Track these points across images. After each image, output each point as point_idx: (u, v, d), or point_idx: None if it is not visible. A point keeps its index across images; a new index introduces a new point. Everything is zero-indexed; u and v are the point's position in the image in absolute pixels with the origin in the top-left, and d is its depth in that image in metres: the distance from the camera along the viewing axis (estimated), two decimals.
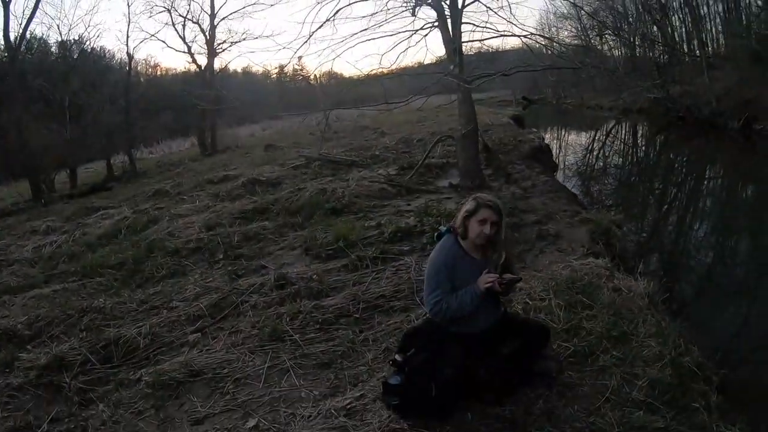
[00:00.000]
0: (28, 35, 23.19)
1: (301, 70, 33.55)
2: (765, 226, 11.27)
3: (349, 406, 3.96)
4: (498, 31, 11.11)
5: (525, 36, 11.36)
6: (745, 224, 11.77)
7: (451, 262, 3.86)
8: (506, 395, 3.89)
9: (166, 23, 27.05)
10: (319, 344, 4.96)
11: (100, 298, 6.60)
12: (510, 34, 11.18)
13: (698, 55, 30.31)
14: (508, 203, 9.11)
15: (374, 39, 11.12)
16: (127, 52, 26.17)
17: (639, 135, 29.53)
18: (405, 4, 11.05)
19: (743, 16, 28.83)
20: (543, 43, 13.38)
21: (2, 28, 20.51)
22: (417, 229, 7.83)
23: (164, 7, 26.09)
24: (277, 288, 6.21)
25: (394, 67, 11.70)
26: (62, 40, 25.59)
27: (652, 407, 3.77)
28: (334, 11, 10.80)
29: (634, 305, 5.10)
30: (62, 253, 9.14)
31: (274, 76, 51.26)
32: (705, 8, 33.23)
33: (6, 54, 22.07)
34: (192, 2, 26.84)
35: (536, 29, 30.28)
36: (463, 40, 10.86)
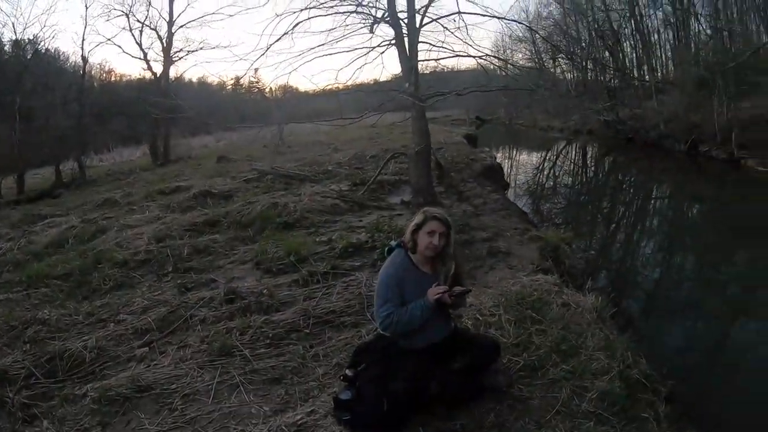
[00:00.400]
0: None
1: (257, 82, 33.51)
2: (708, 243, 11.67)
3: (300, 422, 3.93)
4: (454, 51, 11.19)
5: (480, 57, 11.54)
6: (690, 242, 12.20)
7: (401, 275, 3.89)
8: (457, 409, 3.92)
9: (123, 28, 26.75)
10: (269, 359, 4.90)
11: (45, 309, 6.37)
12: (465, 54, 11.27)
13: (648, 80, 31.27)
14: (459, 220, 9.21)
15: (331, 54, 11.11)
16: (82, 55, 25.57)
17: (589, 156, 30.19)
18: (363, 21, 11.11)
19: (692, 44, 29.83)
20: (497, 64, 13.54)
21: None
22: (368, 244, 7.83)
23: (122, 11, 25.69)
24: (227, 302, 6.12)
25: (350, 83, 11.75)
26: (16, 39, 25.01)
27: (602, 418, 3.87)
28: (293, 24, 10.78)
29: (582, 320, 5.21)
30: (6, 262, 8.83)
31: (230, 87, 50.96)
32: (656, 35, 34.43)
33: None
34: (150, 8, 26.38)
35: (491, 51, 30.61)
36: (419, 58, 10.97)
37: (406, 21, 10.90)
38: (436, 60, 11.90)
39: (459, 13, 10.88)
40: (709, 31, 28.00)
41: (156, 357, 5.12)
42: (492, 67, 12.71)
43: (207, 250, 8.42)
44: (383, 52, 11.18)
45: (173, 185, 15.01)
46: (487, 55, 12.21)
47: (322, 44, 10.92)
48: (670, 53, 34.28)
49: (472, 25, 11.18)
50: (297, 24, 10.82)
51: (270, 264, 7.39)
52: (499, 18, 11.73)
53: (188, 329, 5.65)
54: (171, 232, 9.31)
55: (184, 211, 11.31)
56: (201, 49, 27.28)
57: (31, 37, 24.60)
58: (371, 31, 11.15)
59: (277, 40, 10.82)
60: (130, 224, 10.41)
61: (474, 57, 11.48)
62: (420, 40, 10.92)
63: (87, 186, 21.08)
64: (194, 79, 49.11)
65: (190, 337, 5.41)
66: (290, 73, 11.35)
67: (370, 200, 11.38)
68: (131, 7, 25.86)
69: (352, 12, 11.05)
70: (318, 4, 10.82)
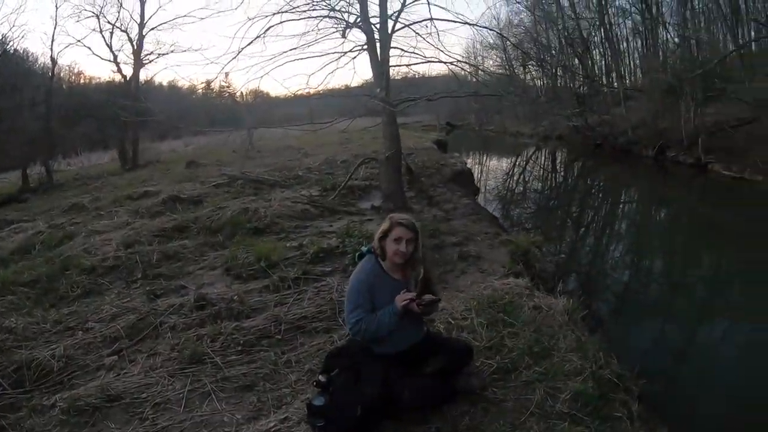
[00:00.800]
0: None
1: (228, 86, 33.22)
2: (676, 246, 11.91)
3: (273, 430, 3.91)
4: (425, 57, 11.27)
5: (451, 63, 11.59)
6: (658, 245, 12.41)
7: (371, 281, 3.90)
8: (431, 413, 3.93)
9: (94, 29, 26.14)
10: (240, 366, 4.86)
11: (11, 317, 6.21)
12: (437, 60, 11.34)
13: (616, 86, 31.70)
14: (430, 225, 9.28)
15: (303, 59, 11.10)
16: (51, 57, 25.10)
17: (558, 161, 30.49)
18: (335, 26, 11.14)
19: (660, 52, 30.39)
20: (468, 70, 13.65)
21: None
22: (339, 249, 7.83)
23: (93, 12, 25.31)
24: (197, 309, 6.06)
25: (321, 87, 11.75)
26: None
27: (576, 418, 3.91)
28: (265, 28, 10.75)
29: (554, 322, 5.26)
30: None
31: (201, 91, 50.48)
32: (624, 44, 35.03)
33: None
34: (121, 9, 26.08)
35: (462, 57, 30.83)
36: (390, 64, 11.01)
37: (378, 26, 10.94)
38: (407, 65, 11.98)
39: (431, 19, 10.99)
40: (677, 40, 28.77)
41: (126, 365, 5.04)
42: (463, 73, 12.78)
43: (176, 256, 8.32)
44: (355, 57, 11.23)
45: (142, 190, 14.84)
46: (458, 60, 12.25)
47: (294, 48, 10.91)
48: (638, 61, 35.04)
49: (444, 31, 11.40)
50: (269, 28, 10.81)
51: (240, 270, 7.34)
52: (470, 24, 11.71)
53: (158, 337, 5.57)
54: (140, 238, 9.17)
55: (153, 217, 11.17)
56: (172, 52, 26.93)
57: (0, 37, 24.17)
58: (343, 36, 11.19)
59: (249, 44, 10.80)
60: (98, 230, 10.25)
61: (445, 63, 11.56)
62: (392, 45, 10.98)
63: (54, 190, 20.68)
64: (164, 83, 48.58)
65: (160, 345, 5.34)
66: (262, 77, 11.31)
67: (340, 205, 11.39)
68: (102, 8, 25.53)
69: (324, 17, 11.08)
70: (291, 8, 10.83)
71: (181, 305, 6.20)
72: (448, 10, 13.95)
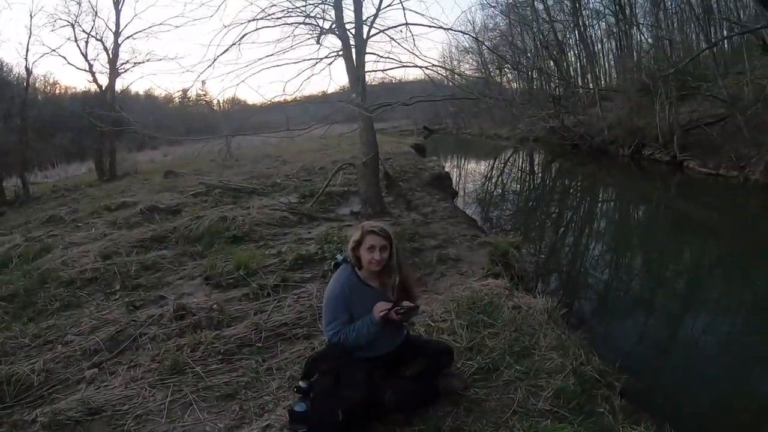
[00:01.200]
0: None
1: (205, 95, 33.05)
2: (653, 242, 12.12)
3: None
4: (401, 62, 11.32)
5: (427, 67, 11.65)
6: (636, 242, 12.62)
7: (347, 292, 3.90)
8: (414, 415, 3.95)
9: (69, 38, 25.79)
10: (222, 375, 4.84)
11: None
12: (412, 65, 11.38)
13: (592, 87, 32.01)
14: (409, 229, 9.35)
15: (279, 66, 11.12)
16: (26, 67, 24.80)
17: (536, 162, 30.76)
18: (310, 33, 11.15)
19: (634, 53, 30.76)
20: (444, 74, 13.74)
21: None
22: (318, 256, 7.87)
23: (68, 21, 24.82)
24: (177, 319, 6.01)
25: (297, 94, 11.76)
26: None
27: (559, 415, 3.95)
28: (241, 35, 10.74)
29: (534, 321, 5.33)
30: None
31: (177, 100, 50.20)
32: (599, 45, 35.42)
33: None
34: (97, 18, 25.74)
35: (439, 61, 31.09)
36: (366, 69, 11.05)
37: (353, 32, 10.97)
38: (383, 71, 12.04)
39: (406, 24, 10.98)
40: (650, 41, 29.08)
41: (106, 378, 4.98)
42: (439, 77, 12.85)
43: (155, 267, 8.28)
44: (331, 63, 11.23)
45: (120, 201, 14.69)
46: (433, 65, 12.31)
47: (270, 55, 10.89)
48: (613, 62, 35.43)
49: (419, 35, 11.36)
50: (244, 35, 10.80)
51: (219, 278, 7.32)
52: (445, 29, 11.78)
53: (138, 348, 5.53)
54: (118, 249, 9.11)
55: (131, 227, 11.09)
56: (148, 60, 26.75)
57: None
58: (318, 42, 11.19)
59: (225, 51, 10.77)
60: (75, 242, 10.15)
61: (421, 67, 11.62)
62: (367, 51, 11.01)
63: (31, 203, 20.40)
64: (141, 92, 48.36)
65: (141, 356, 5.30)
66: (238, 84, 11.34)
67: (319, 212, 11.41)
68: (77, 17, 25.06)
69: (300, 23, 11.08)
70: (266, 15, 10.81)
71: (160, 316, 6.16)
72: (423, 15, 13.98)
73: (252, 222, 10.18)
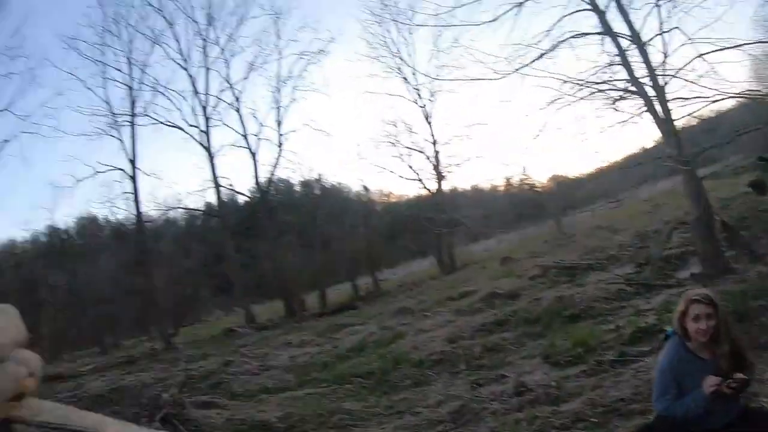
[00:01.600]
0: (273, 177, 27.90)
1: (527, 178, 33.86)
2: None
3: None
4: (707, 98, 10.49)
5: (739, 95, 10.72)
6: None
7: (676, 365, 3.74)
8: None
9: (393, 156, 29.59)
10: None
11: (349, 402, 7.18)
12: (722, 97, 10.40)
13: None
14: (754, 286, 8.34)
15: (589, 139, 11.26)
16: (364, 185, 29.47)
17: None
18: (606, 100, 11.12)
19: None
20: (762, 95, 12.26)
21: (253, 174, 25.86)
22: (657, 327, 7.41)
23: (390, 142, 29.17)
24: (516, 395, 6.26)
25: (612, 159, 11.68)
26: (304, 180, 30.30)
27: None
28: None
29: None
30: (315, 363, 10.19)
31: (502, 188, 51.98)
32: None
33: (258, 195, 27.04)
34: (412, 134, 29.13)
35: (752, 80, 27.89)
36: (673, 117, 10.62)
37: (650, 84, 10.67)
38: (690, 115, 11.29)
39: (700, 56, 10.36)
40: None
41: None
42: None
43: (497, 348, 8.74)
44: (638, 122, 11.02)
45: (461, 290, 15.71)
46: (747, 90, 11.24)
47: (582, 132, 11.09)
48: None
49: (718, 62, 10.30)
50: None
51: (558, 356, 7.47)
52: (740, 46, 10.39)
53: (480, 421, 5.87)
54: (462, 333, 9.81)
55: (474, 313, 11.81)
56: (467, 161, 29.10)
57: (317, 176, 29.10)
58: (613, 106, 11.09)
59: (537, 136, 11.18)
60: (424, 329, 11.15)
61: (733, 96, 10.75)
62: (668, 98, 10.59)
63: (381, 297, 23.00)
64: (468, 187, 50.93)
65: (481, 428, 5.64)
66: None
67: (657, 279, 10.86)
68: (396, 137, 29.30)
69: (617, 99, 11.09)
70: (575, 98, 11.08)
71: (501, 392, 6.48)
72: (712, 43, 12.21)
73: (588, 298, 10.15)
